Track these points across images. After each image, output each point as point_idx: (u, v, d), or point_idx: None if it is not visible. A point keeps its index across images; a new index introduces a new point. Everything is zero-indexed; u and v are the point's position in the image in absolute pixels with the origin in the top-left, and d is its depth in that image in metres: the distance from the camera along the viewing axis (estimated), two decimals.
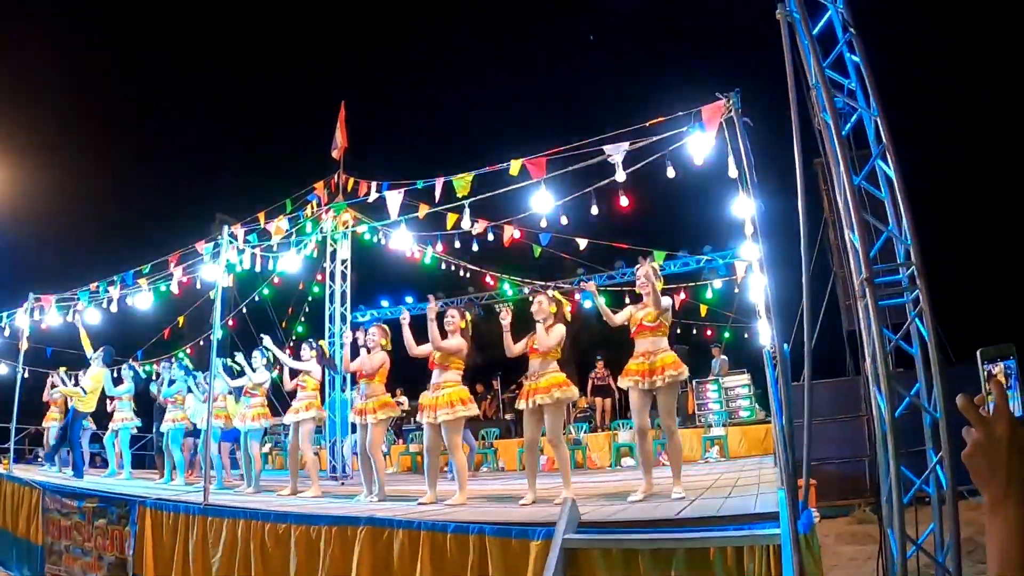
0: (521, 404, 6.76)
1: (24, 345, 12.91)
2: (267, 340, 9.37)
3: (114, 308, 12.34)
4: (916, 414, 4.82)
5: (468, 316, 7.52)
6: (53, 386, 13.58)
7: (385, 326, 8.27)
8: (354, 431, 9.67)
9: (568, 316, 7.11)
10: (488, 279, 14.77)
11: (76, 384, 12.48)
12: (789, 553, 3.71)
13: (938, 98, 16.74)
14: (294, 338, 15.13)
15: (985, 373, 1.23)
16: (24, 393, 12.91)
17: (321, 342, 9.62)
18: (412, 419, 16.15)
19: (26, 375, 13.11)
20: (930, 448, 4.78)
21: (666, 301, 6.70)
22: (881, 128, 5.07)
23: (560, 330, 6.87)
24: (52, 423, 13.37)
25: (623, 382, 6.58)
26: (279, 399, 10.58)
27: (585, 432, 14.21)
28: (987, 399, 1.20)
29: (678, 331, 6.83)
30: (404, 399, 15.94)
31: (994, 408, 1.18)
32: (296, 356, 9.45)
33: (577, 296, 14.74)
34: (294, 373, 9.35)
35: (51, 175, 18.83)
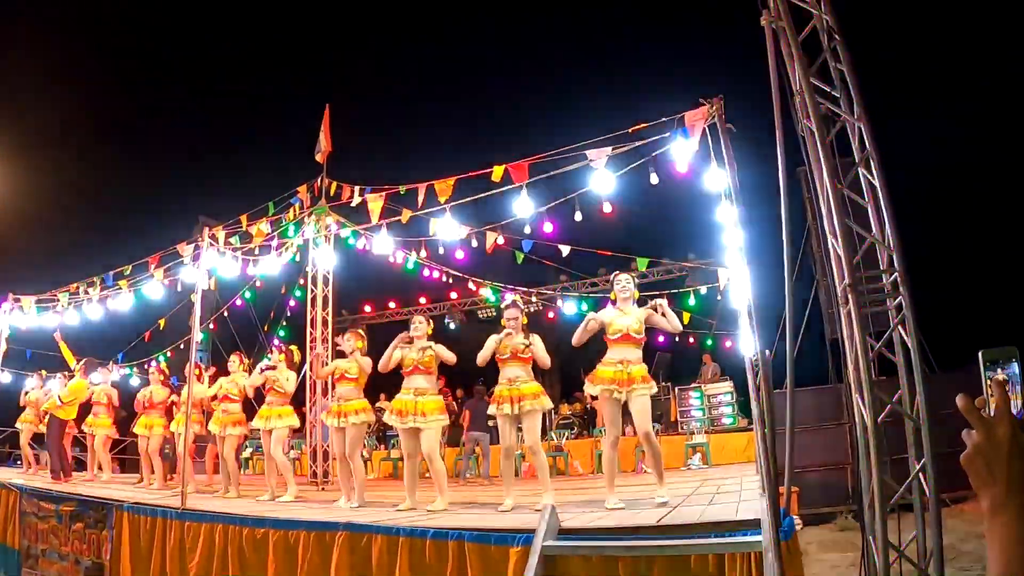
0: (505, 409, 6.66)
1: (3, 347, 12.78)
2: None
3: (94, 310, 12.24)
4: (899, 421, 4.82)
5: (431, 324, 7.55)
6: (26, 393, 13.47)
7: (360, 330, 8.28)
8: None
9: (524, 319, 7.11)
10: (471, 285, 14.74)
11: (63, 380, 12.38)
12: (771, 560, 3.69)
13: (921, 105, 16.85)
14: (276, 342, 15.08)
15: (987, 378, 1.21)
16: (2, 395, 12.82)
17: (292, 347, 9.55)
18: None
19: (6, 377, 13.02)
20: (912, 455, 4.78)
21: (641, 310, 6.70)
22: (865, 135, 5.08)
23: (539, 339, 6.86)
24: (26, 424, 13.22)
25: (594, 388, 6.45)
26: (260, 403, 10.53)
27: (567, 439, 14.18)
28: (987, 401, 1.18)
29: (660, 338, 6.82)
30: (387, 404, 15.87)
31: (995, 410, 1.15)
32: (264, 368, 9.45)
33: (559, 303, 14.76)
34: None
35: (31, 174, 18.70)
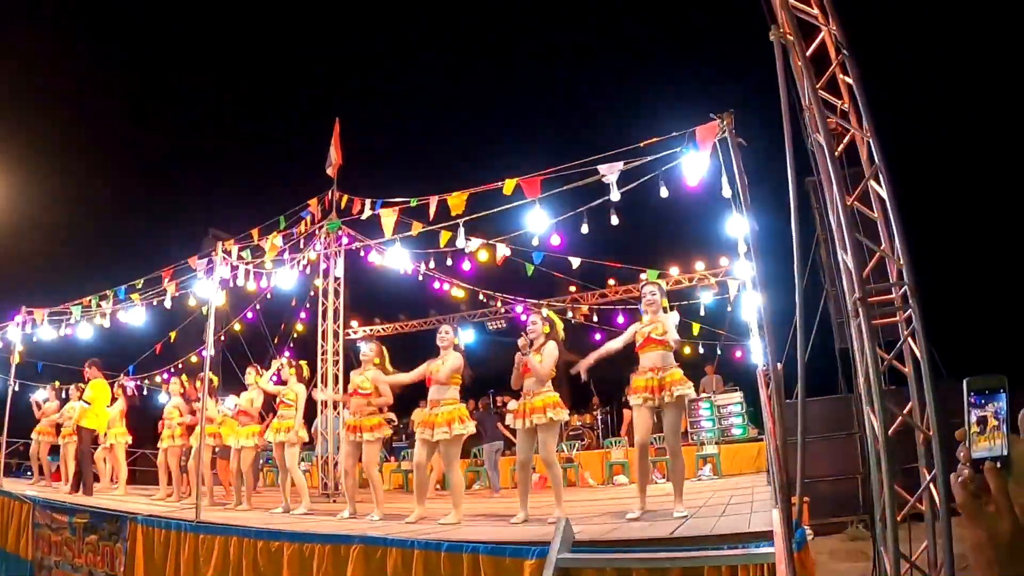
0: (517, 423, 6.71)
1: (16, 359, 12.86)
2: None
3: (106, 323, 12.30)
4: (909, 431, 4.85)
5: (457, 333, 7.53)
6: (37, 405, 13.53)
7: (379, 343, 8.31)
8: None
9: (562, 334, 7.09)
10: (481, 297, 14.78)
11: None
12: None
13: (930, 115, 16.86)
14: (285, 355, 15.12)
15: (970, 410, 1.14)
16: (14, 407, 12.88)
17: (301, 362, 9.61)
18: (403, 436, 16.10)
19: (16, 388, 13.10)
20: (923, 465, 4.80)
21: (674, 317, 6.74)
22: (874, 149, 5.12)
23: (552, 349, 6.84)
24: (43, 436, 13.28)
25: (632, 399, 6.54)
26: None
27: (577, 450, 14.20)
28: (968, 434, 1.13)
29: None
30: (392, 416, 15.90)
31: (995, 504, 1.09)
32: (279, 377, 9.54)
33: (569, 315, 14.77)
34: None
35: (44, 188, 18.85)
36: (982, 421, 1.13)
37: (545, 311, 7.34)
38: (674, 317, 6.85)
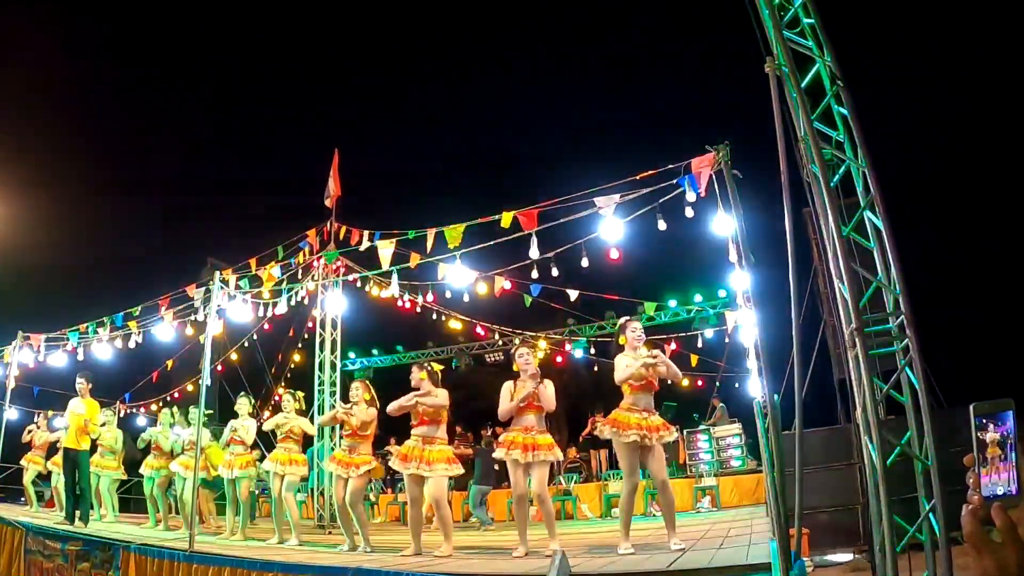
0: (515, 455, 6.63)
1: (11, 384, 12.81)
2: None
3: (103, 350, 12.27)
4: (908, 460, 4.83)
5: (434, 367, 7.52)
6: (29, 431, 13.37)
7: (367, 382, 8.30)
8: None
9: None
10: (479, 329, 14.77)
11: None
12: None
13: (925, 145, 16.97)
14: (282, 385, 15.11)
15: (977, 438, 1.11)
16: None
17: (299, 393, 9.57)
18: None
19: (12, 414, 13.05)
20: (922, 495, 4.77)
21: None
22: (869, 179, 5.14)
23: (550, 383, 6.86)
24: (31, 463, 13.16)
25: (626, 435, 6.35)
26: (267, 447, 10.50)
27: (575, 482, 14.13)
28: (976, 460, 1.10)
29: (669, 381, 6.76)
30: (397, 448, 15.85)
31: (1002, 535, 1.06)
32: (278, 407, 9.50)
33: (568, 347, 14.77)
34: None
35: (43, 214, 18.92)
36: (990, 446, 1.10)
37: (543, 343, 7.31)
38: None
